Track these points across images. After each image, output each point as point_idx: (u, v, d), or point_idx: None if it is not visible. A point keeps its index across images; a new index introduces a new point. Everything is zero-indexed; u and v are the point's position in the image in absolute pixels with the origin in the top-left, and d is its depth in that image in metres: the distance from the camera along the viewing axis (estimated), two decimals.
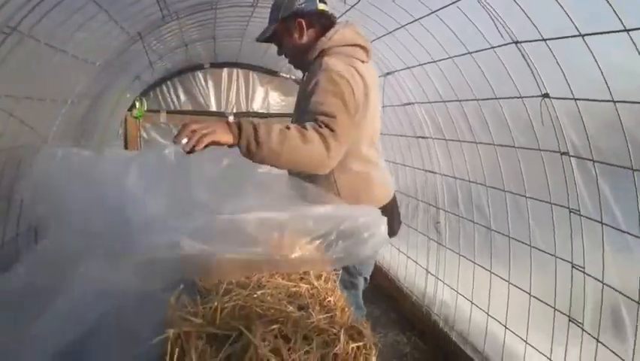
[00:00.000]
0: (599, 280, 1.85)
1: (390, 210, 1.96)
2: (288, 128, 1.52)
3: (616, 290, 1.79)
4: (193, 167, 1.76)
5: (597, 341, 1.87)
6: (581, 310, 1.97)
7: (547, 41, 1.70)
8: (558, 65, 1.71)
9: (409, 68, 3.02)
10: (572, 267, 2.01)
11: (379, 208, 1.82)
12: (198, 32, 3.85)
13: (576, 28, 1.50)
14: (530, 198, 2.25)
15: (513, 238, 2.42)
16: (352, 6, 2.76)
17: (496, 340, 2.55)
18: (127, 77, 3.84)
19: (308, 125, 1.57)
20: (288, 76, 5.33)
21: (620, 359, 1.77)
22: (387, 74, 3.33)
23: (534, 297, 2.25)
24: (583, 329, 1.95)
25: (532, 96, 1.99)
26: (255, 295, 1.33)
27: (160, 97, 5.19)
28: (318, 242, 1.46)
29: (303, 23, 1.83)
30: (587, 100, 1.67)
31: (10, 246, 1.90)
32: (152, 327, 1.17)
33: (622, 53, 1.41)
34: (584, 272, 1.94)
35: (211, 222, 1.38)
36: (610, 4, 1.29)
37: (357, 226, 1.53)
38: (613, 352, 1.80)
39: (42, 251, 1.61)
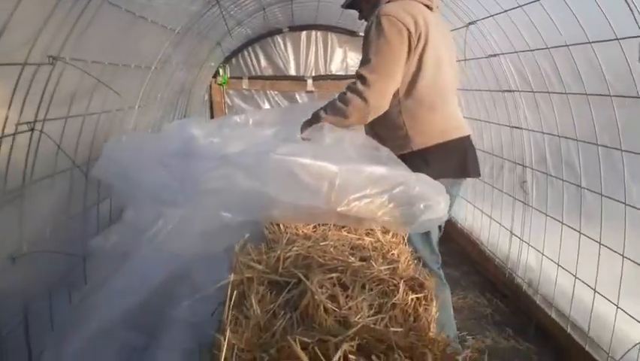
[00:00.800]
0: None
1: (464, 150, 1.98)
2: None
3: None
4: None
5: None
6: None
7: None
8: None
9: (492, 16, 2.81)
10: None
11: (449, 141, 1.92)
12: None
13: None
14: (626, 151, 2.03)
15: (605, 196, 2.22)
16: None
17: (584, 304, 2.39)
18: (208, 44, 3.96)
19: (347, 86, 1.86)
20: None
21: None
22: (470, 24, 3.13)
23: (627, 258, 2.07)
24: None
25: (632, 37, 1.77)
26: (318, 247, 1.35)
27: (242, 63, 5.32)
28: (367, 200, 1.45)
29: None
30: None
31: (90, 212, 2.08)
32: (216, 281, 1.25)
33: None
34: None
35: (271, 163, 1.42)
36: None
37: (412, 194, 1.49)
38: None
39: (125, 220, 1.75)
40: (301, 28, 5.26)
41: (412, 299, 1.14)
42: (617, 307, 2.12)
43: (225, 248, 1.38)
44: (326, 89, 5.17)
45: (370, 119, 1.86)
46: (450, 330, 2.03)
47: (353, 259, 1.29)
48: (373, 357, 0.85)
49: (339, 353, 0.83)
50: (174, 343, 1.46)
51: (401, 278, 1.19)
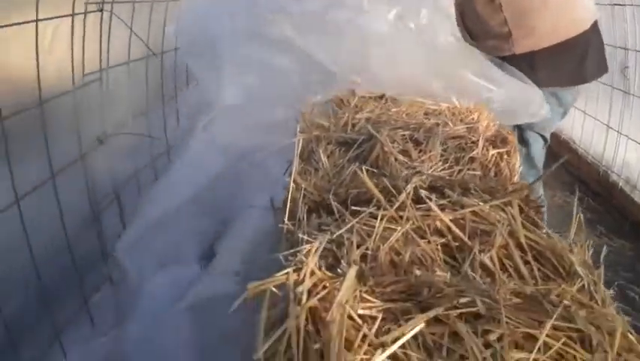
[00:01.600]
0: None
1: (583, 50, 1.60)
2: None
3: None
4: None
5: None
6: None
7: None
8: None
9: None
10: None
11: (563, 42, 1.55)
12: None
13: None
14: None
15: None
16: None
17: None
18: None
19: None
20: None
21: None
22: None
23: None
24: None
25: None
26: (390, 113, 1.29)
27: None
28: None
29: None
30: None
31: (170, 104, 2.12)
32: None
33: None
34: None
35: None
36: None
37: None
38: None
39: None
40: None
41: (493, 155, 1.06)
42: None
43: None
44: None
45: None
46: None
47: (427, 121, 1.21)
48: (446, 190, 0.79)
49: (410, 187, 0.78)
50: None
51: (480, 135, 1.10)
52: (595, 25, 1.63)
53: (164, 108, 2.02)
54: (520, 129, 1.68)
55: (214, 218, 1.64)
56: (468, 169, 0.99)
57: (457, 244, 0.73)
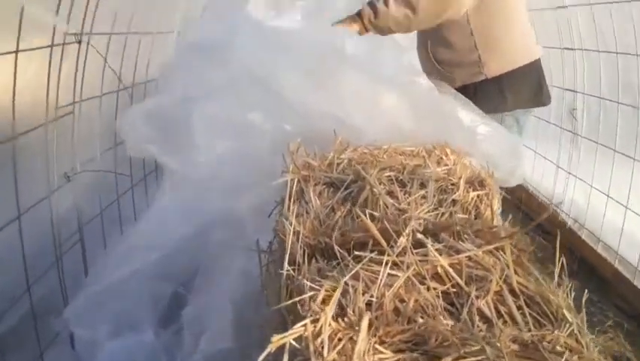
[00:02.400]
0: None
1: (540, 73, 1.78)
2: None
3: None
4: None
5: None
6: None
7: None
8: None
9: None
10: None
11: (526, 65, 1.70)
12: None
13: None
14: None
15: None
16: None
17: (635, 238, 2.31)
18: None
19: None
20: None
21: None
22: None
23: None
24: None
25: None
26: (371, 154, 1.32)
27: None
28: None
29: None
30: None
31: None
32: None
33: None
34: None
35: None
36: None
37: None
38: None
39: None
40: None
41: (473, 197, 1.10)
42: None
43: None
44: None
45: (426, 26, 1.63)
46: None
47: (407, 162, 1.25)
48: (443, 234, 0.82)
49: (409, 229, 0.81)
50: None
51: (459, 177, 1.15)
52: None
53: None
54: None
55: (174, 281, 1.55)
56: (451, 212, 1.03)
57: (454, 290, 0.75)
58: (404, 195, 1.08)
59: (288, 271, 0.78)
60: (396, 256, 0.77)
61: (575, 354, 0.66)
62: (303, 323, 0.57)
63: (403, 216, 0.88)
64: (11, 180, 1.24)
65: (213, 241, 1.40)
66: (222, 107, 1.36)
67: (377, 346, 0.60)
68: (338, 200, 1.06)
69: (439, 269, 0.75)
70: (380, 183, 1.08)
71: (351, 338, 0.58)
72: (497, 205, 1.09)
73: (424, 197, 1.08)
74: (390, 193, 1.07)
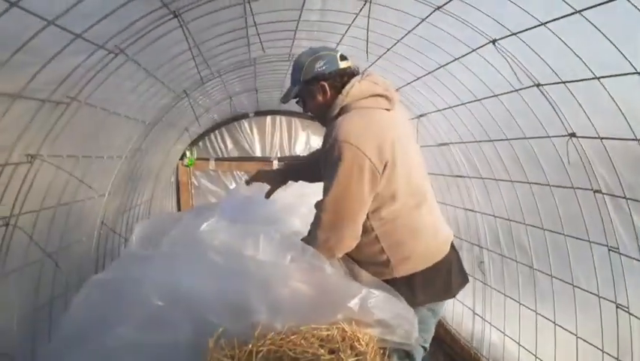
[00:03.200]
0: None
1: (449, 267, 1.83)
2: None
3: None
4: None
5: None
6: (629, 351, 1.90)
7: (567, 84, 1.73)
8: (580, 106, 1.73)
9: (439, 110, 3.08)
10: (617, 307, 1.95)
11: (435, 264, 1.77)
12: (240, 85, 4.09)
13: (591, 71, 1.54)
14: (569, 236, 2.22)
15: (555, 278, 2.38)
16: (373, 63, 2.90)
17: None
18: (176, 130, 4.11)
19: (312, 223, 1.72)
20: None
21: None
22: (421, 116, 3.40)
23: (580, 338, 2.18)
24: None
25: (560, 135, 2.00)
26: (289, 340, 1.41)
27: (209, 145, 5.48)
28: None
29: (326, 86, 1.78)
30: (612, 139, 1.67)
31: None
32: None
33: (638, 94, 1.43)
34: (628, 312, 1.88)
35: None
36: (619, 50, 1.34)
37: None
38: None
39: None
40: (266, 113, 5.52)
41: None
42: None
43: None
44: None
45: (339, 254, 1.71)
46: None
47: (323, 351, 1.35)
48: None
49: None
50: None
51: None
52: (452, 244, 1.93)
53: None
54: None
55: None
56: None
57: None
58: None
59: None
60: None
61: None
62: None
63: None
64: None
65: None
66: None
67: None
68: None
69: None
70: None
71: None
72: None
73: None
74: None
